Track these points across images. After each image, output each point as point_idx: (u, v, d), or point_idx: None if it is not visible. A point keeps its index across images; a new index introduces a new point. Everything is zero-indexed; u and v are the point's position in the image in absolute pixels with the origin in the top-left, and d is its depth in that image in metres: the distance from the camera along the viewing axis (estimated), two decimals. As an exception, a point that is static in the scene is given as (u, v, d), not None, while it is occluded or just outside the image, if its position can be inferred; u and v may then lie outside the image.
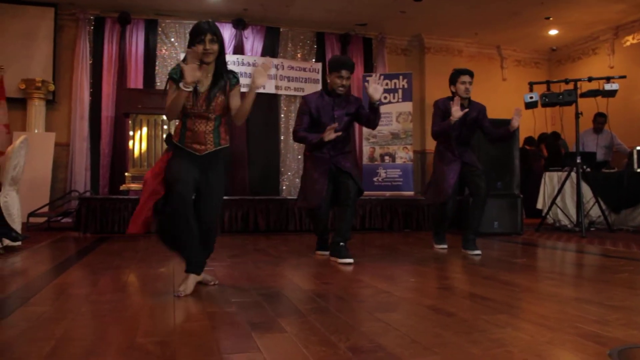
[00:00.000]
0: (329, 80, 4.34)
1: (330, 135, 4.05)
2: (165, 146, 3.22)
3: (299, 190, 4.51)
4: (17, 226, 4.62)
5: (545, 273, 3.74)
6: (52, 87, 8.21)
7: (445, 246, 4.94)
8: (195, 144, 2.89)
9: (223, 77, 2.96)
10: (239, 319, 2.23)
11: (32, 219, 6.66)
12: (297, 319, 2.24)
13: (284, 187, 9.13)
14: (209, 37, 2.81)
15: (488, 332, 2.06)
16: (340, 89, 4.21)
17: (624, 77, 6.29)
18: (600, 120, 7.58)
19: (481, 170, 4.69)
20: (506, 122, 5.12)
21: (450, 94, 4.75)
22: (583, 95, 6.30)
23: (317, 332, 2.04)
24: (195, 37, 2.82)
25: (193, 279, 2.87)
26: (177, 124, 2.98)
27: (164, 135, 3.60)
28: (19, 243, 4.44)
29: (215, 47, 2.84)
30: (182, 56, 8.40)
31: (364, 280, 3.30)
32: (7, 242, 4.33)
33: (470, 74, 4.68)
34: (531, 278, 3.45)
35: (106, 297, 2.69)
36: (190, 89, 2.76)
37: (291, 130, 9.02)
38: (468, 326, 2.14)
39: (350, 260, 4.02)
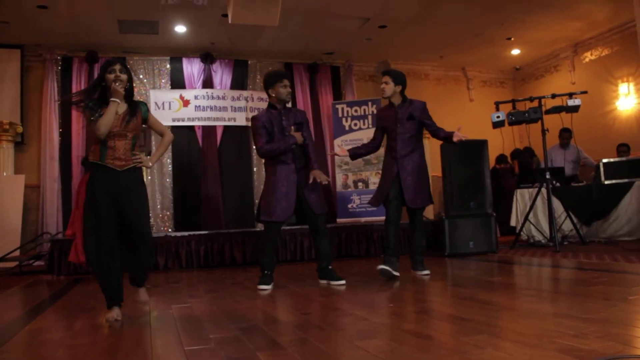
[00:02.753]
0: (273, 95, 4.46)
1: (299, 137, 4.30)
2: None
3: (260, 204, 4.49)
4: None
5: (522, 290, 3.78)
6: (20, 129, 8.11)
7: (387, 268, 4.46)
8: (116, 160, 3.14)
9: (136, 103, 3.34)
10: (218, 356, 2.20)
11: (2, 264, 6.51)
12: (276, 351, 2.22)
13: (260, 218, 9.09)
14: (118, 67, 3.20)
15: (468, 353, 2.06)
16: (288, 96, 4.45)
17: (585, 92, 6.46)
18: (565, 135, 7.76)
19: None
20: (474, 143, 5.27)
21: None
22: (548, 112, 6.45)
23: (297, 364, 2.03)
24: (107, 68, 3.20)
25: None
26: (92, 147, 3.22)
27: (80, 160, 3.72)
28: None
29: (125, 76, 3.21)
30: (150, 93, 8.44)
31: (342, 308, 3.29)
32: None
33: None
34: (509, 296, 3.48)
35: (81, 340, 2.64)
36: (119, 101, 3.12)
37: (263, 160, 9.10)
38: (448, 349, 2.15)
39: (344, 282, 4.32)
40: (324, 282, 4.45)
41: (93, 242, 3.07)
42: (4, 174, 7.85)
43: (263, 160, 4.71)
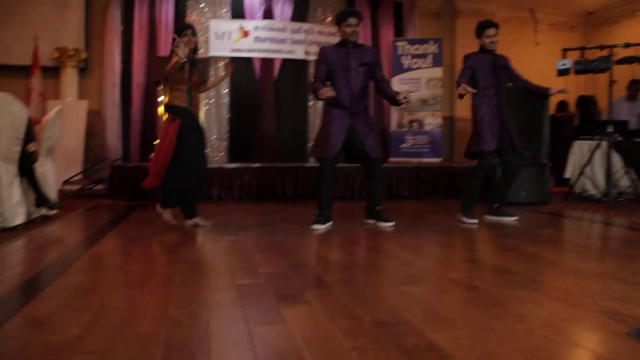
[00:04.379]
0: (340, 34, 4.43)
1: (325, 94, 4.15)
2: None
3: (315, 141, 4.52)
4: (53, 195, 4.78)
5: (570, 246, 3.75)
6: (84, 55, 8.32)
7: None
8: (195, 109, 4.12)
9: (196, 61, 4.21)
10: (267, 291, 2.32)
11: (66, 187, 6.86)
12: (323, 290, 2.32)
13: (313, 154, 9.16)
14: (190, 31, 4.04)
15: (509, 307, 2.11)
16: (352, 36, 4.34)
17: (663, 43, 6.11)
18: (634, 87, 7.39)
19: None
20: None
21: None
22: (619, 62, 6.13)
23: (342, 304, 2.12)
24: (181, 32, 4.02)
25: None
26: (174, 93, 4.05)
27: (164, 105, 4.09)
28: (55, 212, 4.61)
29: (195, 39, 4.10)
30: (211, 23, 8.43)
31: (389, 251, 3.37)
32: (44, 211, 4.50)
33: (495, 25, 4.75)
34: (555, 251, 3.48)
35: (138, 267, 2.81)
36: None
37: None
38: (490, 300, 2.19)
39: (392, 223, 4.40)
40: (371, 221, 4.50)
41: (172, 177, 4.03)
42: (69, 99, 8.13)
43: None
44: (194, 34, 4.05)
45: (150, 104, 8.44)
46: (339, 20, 4.41)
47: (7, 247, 3.39)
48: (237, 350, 1.62)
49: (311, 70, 9.08)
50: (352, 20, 4.35)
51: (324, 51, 4.41)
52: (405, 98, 4.36)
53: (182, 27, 4.11)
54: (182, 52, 3.77)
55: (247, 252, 3.25)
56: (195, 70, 4.09)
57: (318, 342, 1.67)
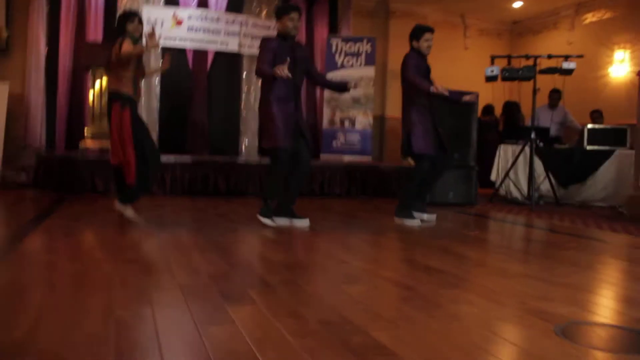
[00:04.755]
0: (279, 27, 4.41)
1: (282, 71, 4.02)
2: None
3: (261, 132, 4.47)
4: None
5: (496, 247, 3.96)
6: (4, 34, 7.88)
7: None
8: (138, 97, 4.17)
9: None
10: (211, 290, 2.32)
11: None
12: (266, 290, 2.35)
13: (244, 148, 9.12)
14: (137, 19, 4.08)
15: (445, 307, 2.22)
16: (293, 30, 4.36)
17: (581, 56, 6.49)
18: (555, 96, 7.83)
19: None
20: (461, 93, 5.30)
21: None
22: (542, 71, 6.49)
23: (286, 304, 2.16)
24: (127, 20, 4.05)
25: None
26: (122, 80, 4.00)
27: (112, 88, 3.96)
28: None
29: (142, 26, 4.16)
30: (143, 8, 8.19)
31: (326, 250, 3.43)
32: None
33: (433, 31, 4.90)
34: (482, 251, 3.66)
35: (74, 265, 2.73)
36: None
37: (252, 89, 9.05)
38: (426, 300, 2.29)
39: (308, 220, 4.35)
40: (283, 220, 4.37)
41: (141, 165, 3.96)
42: (-13, 80, 7.69)
43: (259, 90, 4.54)
44: (140, 22, 4.09)
45: (77, 90, 8.12)
46: (281, 14, 4.39)
47: None
48: (189, 351, 1.63)
49: (245, 63, 9.04)
50: (294, 15, 4.37)
51: (269, 41, 4.35)
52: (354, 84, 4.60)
53: (130, 14, 4.10)
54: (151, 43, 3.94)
55: (185, 249, 3.22)
56: (140, 59, 4.11)
57: (269, 343, 1.70)
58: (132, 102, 4.01)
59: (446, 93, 4.54)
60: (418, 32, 4.86)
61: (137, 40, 3.98)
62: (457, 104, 4.96)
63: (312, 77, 4.66)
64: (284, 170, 4.31)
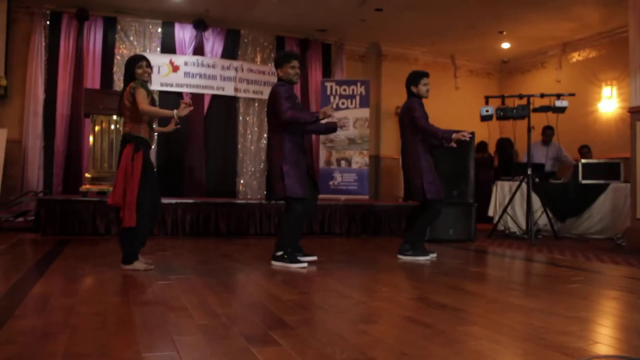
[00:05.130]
0: (281, 74, 4.53)
1: (329, 110, 4.36)
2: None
3: (275, 180, 4.40)
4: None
5: (504, 283, 3.97)
6: (4, 82, 7.96)
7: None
8: (152, 142, 4.11)
9: None
10: (231, 332, 2.32)
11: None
12: (287, 331, 2.34)
13: (241, 189, 9.16)
14: (145, 62, 4.00)
15: (467, 343, 2.23)
16: (295, 77, 4.55)
17: (572, 94, 6.68)
18: (548, 132, 7.99)
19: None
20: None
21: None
22: (535, 110, 6.65)
23: (310, 344, 2.15)
24: (135, 64, 4.00)
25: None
26: (138, 124, 3.94)
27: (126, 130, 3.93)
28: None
29: (150, 70, 4.06)
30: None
31: (338, 290, 3.43)
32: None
33: (428, 75, 5.08)
34: (491, 288, 3.68)
35: (90, 308, 2.71)
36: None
37: (248, 131, 9.15)
38: (447, 338, 2.30)
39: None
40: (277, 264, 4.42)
41: (146, 208, 3.87)
42: (-14, 127, 7.72)
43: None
44: (148, 65, 4.03)
45: (75, 135, 8.17)
46: (283, 62, 4.52)
47: None
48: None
49: (241, 106, 9.17)
50: (296, 63, 4.53)
51: (282, 88, 4.44)
52: (343, 122, 4.86)
53: (138, 58, 4.02)
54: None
55: (198, 291, 3.21)
56: (153, 102, 4.10)
57: (302, 384, 1.70)
58: (146, 146, 3.95)
59: (468, 137, 4.75)
60: (416, 78, 4.99)
61: (146, 84, 3.97)
62: (457, 144, 5.05)
63: None
64: (302, 218, 4.49)
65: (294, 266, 4.29)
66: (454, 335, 2.34)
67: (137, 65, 3.96)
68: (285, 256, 4.36)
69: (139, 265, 3.92)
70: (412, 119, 4.86)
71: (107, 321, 2.46)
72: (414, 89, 4.99)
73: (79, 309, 2.66)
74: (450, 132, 4.77)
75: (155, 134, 4.19)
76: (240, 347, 2.10)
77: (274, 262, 4.40)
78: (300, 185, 4.35)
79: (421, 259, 4.88)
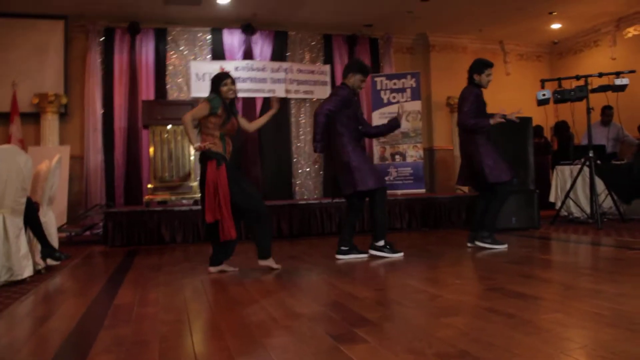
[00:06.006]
0: (351, 80, 4.68)
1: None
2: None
3: (360, 172, 4.53)
4: (55, 244, 4.72)
5: (578, 269, 3.88)
6: (64, 100, 8.27)
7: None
8: (228, 155, 4.08)
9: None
10: (317, 331, 2.36)
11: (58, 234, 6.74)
12: (371, 328, 2.37)
13: (297, 190, 9.24)
14: (230, 80, 4.11)
15: (554, 331, 2.20)
16: (359, 90, 4.76)
17: (633, 71, 6.42)
18: (608, 112, 7.73)
19: None
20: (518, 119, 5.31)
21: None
22: (594, 90, 6.44)
23: (397, 340, 2.17)
24: (220, 82, 4.10)
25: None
26: (211, 139, 4.00)
27: (202, 148, 3.96)
28: (59, 262, 4.54)
29: (235, 87, 4.17)
30: (191, 64, 8.52)
31: (411, 285, 3.44)
32: (50, 261, 4.43)
33: (493, 65, 5.09)
34: (568, 275, 3.60)
35: (173, 316, 2.79)
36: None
37: (301, 132, 9.22)
38: (534, 327, 2.28)
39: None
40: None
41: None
42: (49, 145, 8.03)
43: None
44: (233, 82, 4.12)
45: (133, 148, 8.41)
46: (359, 71, 4.67)
47: (25, 301, 3.34)
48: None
49: (292, 107, 9.25)
50: (367, 78, 4.75)
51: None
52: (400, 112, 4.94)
53: (223, 76, 4.11)
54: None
55: (274, 293, 3.28)
56: (231, 117, 4.11)
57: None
58: (225, 160, 3.99)
59: (502, 119, 4.68)
60: (481, 67, 4.95)
61: (224, 101, 4.06)
62: (513, 122, 5.00)
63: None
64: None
65: (395, 256, 4.63)
66: (539, 324, 2.32)
67: (222, 83, 4.07)
68: (387, 247, 4.67)
69: (225, 267, 4.22)
70: (460, 106, 4.91)
71: (193, 327, 2.54)
72: (476, 77, 4.94)
73: (163, 317, 2.76)
74: (487, 121, 4.81)
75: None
76: (329, 346, 2.13)
77: (371, 251, 4.72)
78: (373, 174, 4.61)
79: (499, 247, 4.89)
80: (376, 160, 9.01)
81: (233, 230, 3.91)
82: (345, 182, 4.55)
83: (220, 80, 4.08)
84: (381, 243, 4.65)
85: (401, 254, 4.65)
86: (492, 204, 4.91)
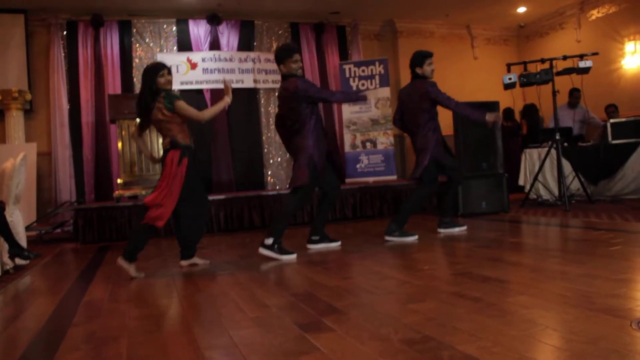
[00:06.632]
0: (284, 70, 4.38)
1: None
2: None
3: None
4: (24, 243, 4.64)
5: (545, 251, 3.95)
6: (29, 97, 8.10)
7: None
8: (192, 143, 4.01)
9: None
10: (285, 321, 2.37)
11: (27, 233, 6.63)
12: (339, 316, 2.39)
13: (269, 180, 9.22)
14: (166, 70, 3.90)
15: (518, 313, 2.24)
16: (299, 71, 4.43)
17: (596, 53, 6.53)
18: (576, 95, 7.85)
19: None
20: (486, 104, 5.36)
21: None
22: (559, 73, 6.54)
23: (364, 327, 2.19)
24: (157, 73, 3.87)
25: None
26: (181, 131, 3.92)
27: (168, 141, 3.88)
28: (28, 261, 4.47)
29: (171, 77, 3.97)
30: (158, 56, 8.40)
31: (380, 272, 3.47)
32: (18, 261, 4.36)
33: (432, 54, 5.02)
34: (535, 257, 3.67)
35: (143, 311, 2.79)
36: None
37: (271, 122, 9.18)
38: (498, 309, 2.32)
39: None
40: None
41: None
42: (16, 142, 7.87)
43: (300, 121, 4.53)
44: (169, 73, 3.91)
45: (102, 143, 8.28)
46: (285, 57, 4.35)
47: (-8, 302, 3.29)
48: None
49: (262, 97, 9.20)
50: (298, 56, 4.40)
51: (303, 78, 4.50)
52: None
53: (159, 67, 3.89)
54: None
55: (244, 285, 3.28)
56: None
57: (364, 366, 1.74)
58: (190, 152, 3.89)
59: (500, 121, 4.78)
60: (420, 59, 4.94)
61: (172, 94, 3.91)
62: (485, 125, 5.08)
63: None
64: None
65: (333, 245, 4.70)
66: (504, 307, 2.36)
67: (159, 75, 3.82)
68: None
69: (133, 270, 3.78)
70: (436, 102, 4.86)
71: (162, 322, 2.53)
72: (418, 71, 4.92)
73: (132, 313, 2.74)
74: (483, 115, 4.85)
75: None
76: (296, 335, 2.15)
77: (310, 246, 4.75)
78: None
79: (455, 230, 5.09)
80: (347, 148, 9.03)
81: (165, 221, 3.77)
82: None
83: (157, 70, 3.83)
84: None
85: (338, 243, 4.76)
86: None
